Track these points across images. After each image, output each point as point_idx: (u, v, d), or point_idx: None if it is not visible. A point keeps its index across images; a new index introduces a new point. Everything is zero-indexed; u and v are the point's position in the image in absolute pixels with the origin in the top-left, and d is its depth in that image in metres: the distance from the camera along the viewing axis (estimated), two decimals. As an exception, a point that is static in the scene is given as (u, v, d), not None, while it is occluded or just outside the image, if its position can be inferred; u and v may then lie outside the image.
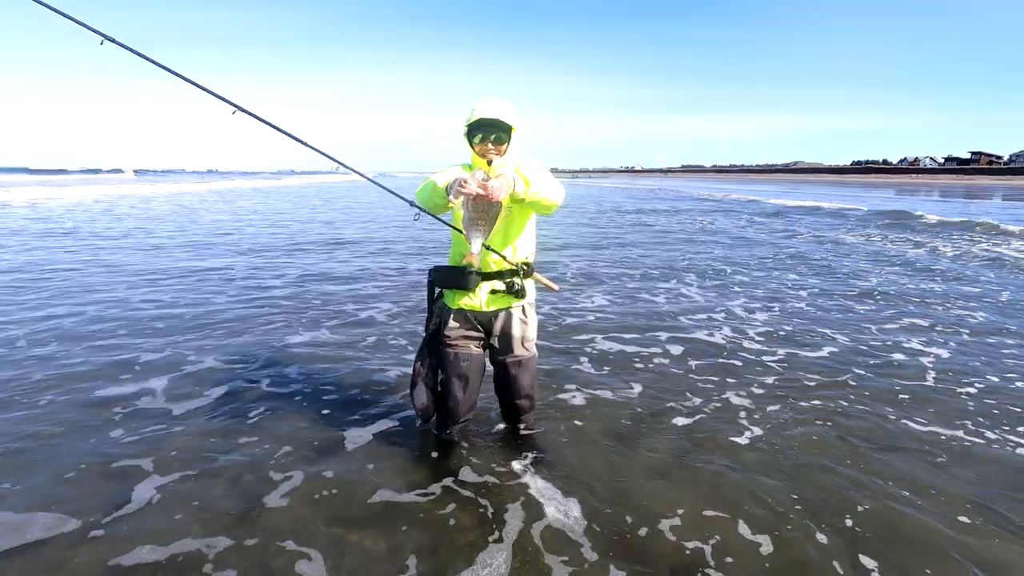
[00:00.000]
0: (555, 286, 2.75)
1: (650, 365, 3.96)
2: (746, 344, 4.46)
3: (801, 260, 8.87)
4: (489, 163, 2.32)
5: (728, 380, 3.69)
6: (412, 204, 2.45)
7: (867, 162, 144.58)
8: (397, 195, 2.72)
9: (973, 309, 5.71)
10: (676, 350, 4.28)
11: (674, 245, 10.61)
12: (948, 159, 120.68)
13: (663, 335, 4.64)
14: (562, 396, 3.37)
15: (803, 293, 6.37)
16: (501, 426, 2.90)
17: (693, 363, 4.01)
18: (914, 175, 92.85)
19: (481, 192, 2.04)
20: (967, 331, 4.90)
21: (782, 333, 4.77)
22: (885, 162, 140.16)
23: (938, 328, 4.99)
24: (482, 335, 2.58)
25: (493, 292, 2.46)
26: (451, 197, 2.15)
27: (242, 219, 14.91)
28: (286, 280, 6.66)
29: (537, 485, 2.42)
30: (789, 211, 20.12)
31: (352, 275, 7.07)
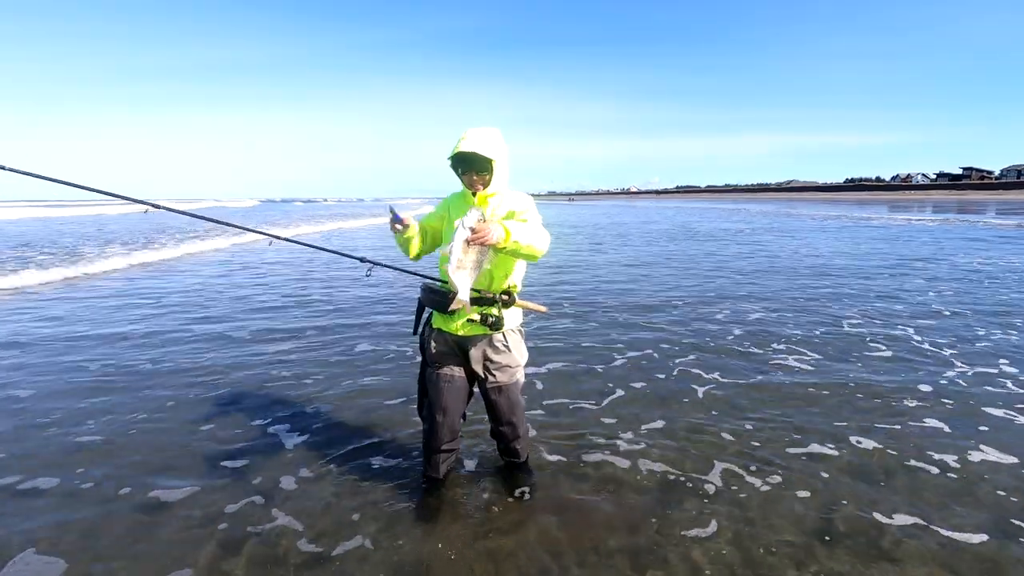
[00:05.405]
0: (543, 308, 2.71)
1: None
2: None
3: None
4: (474, 194, 2.36)
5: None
6: (363, 260, 2.63)
7: (860, 179, 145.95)
8: (343, 254, 3.01)
9: None
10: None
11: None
12: (940, 175, 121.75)
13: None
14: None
15: None
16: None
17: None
18: (907, 191, 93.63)
19: (475, 231, 1.99)
20: None
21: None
22: (878, 179, 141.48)
23: None
24: (463, 357, 2.52)
25: (469, 322, 2.40)
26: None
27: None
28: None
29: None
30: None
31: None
